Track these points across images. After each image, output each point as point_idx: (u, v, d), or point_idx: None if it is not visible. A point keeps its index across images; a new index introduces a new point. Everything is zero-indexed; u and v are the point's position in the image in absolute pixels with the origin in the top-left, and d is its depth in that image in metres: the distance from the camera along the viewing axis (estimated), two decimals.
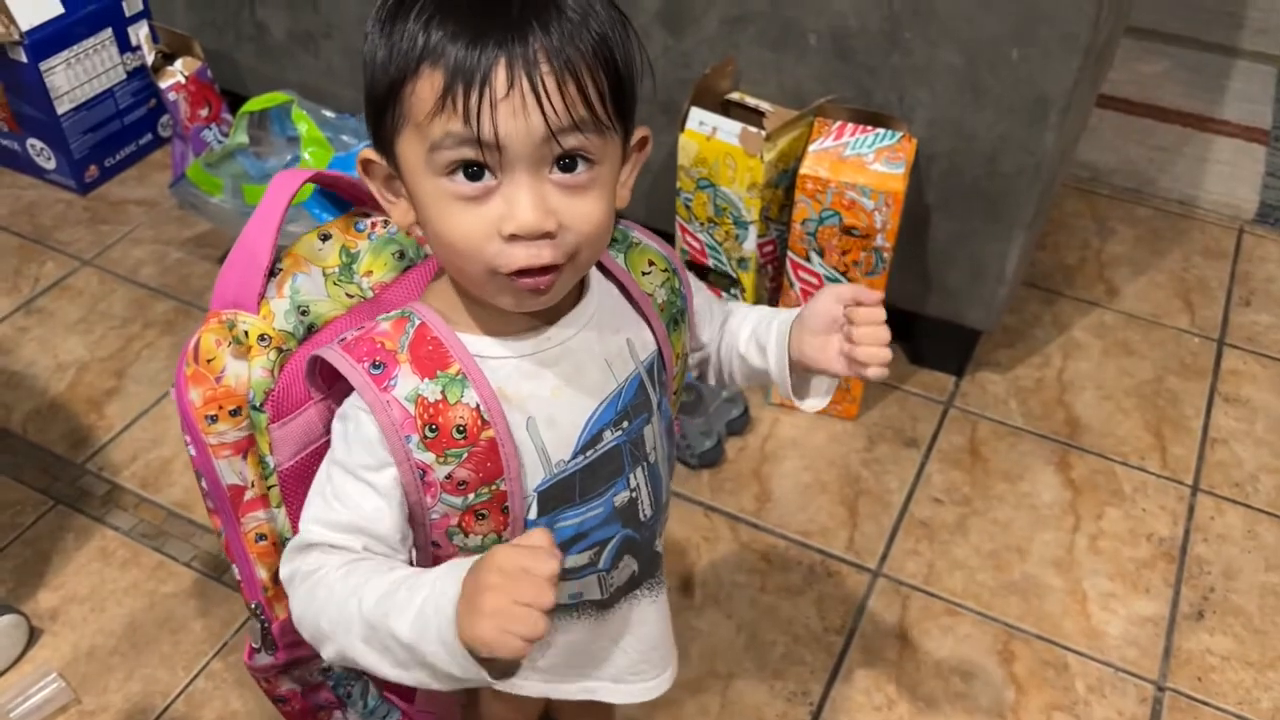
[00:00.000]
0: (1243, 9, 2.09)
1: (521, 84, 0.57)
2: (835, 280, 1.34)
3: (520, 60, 0.57)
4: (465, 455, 0.64)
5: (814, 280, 1.35)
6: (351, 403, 0.66)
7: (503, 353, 0.66)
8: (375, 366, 0.64)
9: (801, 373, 0.79)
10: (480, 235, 0.60)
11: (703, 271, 1.46)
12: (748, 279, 1.41)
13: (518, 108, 0.57)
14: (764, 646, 1.24)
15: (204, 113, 1.80)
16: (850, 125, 1.31)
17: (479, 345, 0.66)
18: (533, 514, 0.68)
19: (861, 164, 1.26)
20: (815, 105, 1.32)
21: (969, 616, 1.27)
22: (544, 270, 0.61)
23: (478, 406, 0.64)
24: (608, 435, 0.70)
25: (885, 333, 0.74)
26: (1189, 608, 1.28)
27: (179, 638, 1.24)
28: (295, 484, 0.71)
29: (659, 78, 1.44)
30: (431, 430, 0.64)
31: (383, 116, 0.61)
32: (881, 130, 1.29)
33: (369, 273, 0.74)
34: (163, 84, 1.76)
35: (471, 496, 0.66)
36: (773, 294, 1.46)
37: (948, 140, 1.31)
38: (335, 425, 0.67)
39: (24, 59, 1.73)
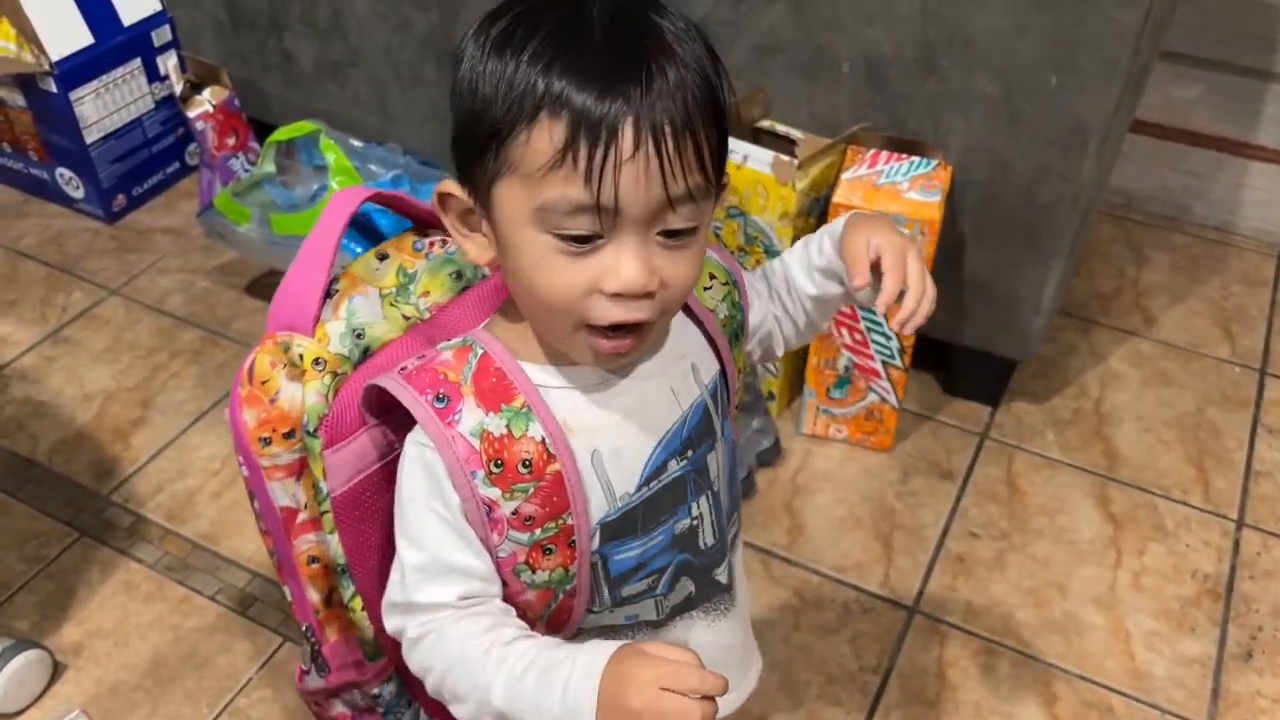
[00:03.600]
0: (1277, 33, 2.06)
1: (648, 146, 0.55)
2: (869, 311, 1.31)
3: (647, 120, 0.55)
4: (531, 490, 0.63)
5: (845, 310, 1.33)
6: (414, 438, 0.64)
7: (568, 383, 0.65)
8: (439, 400, 0.63)
9: None
10: (579, 291, 0.59)
11: None
12: None
13: (640, 172, 0.56)
14: (798, 686, 1.21)
15: (231, 142, 1.80)
16: (884, 153, 1.29)
17: (543, 376, 0.65)
18: (595, 544, 0.67)
19: (896, 192, 1.24)
20: (848, 133, 1.30)
21: (1009, 655, 1.24)
22: (632, 328, 0.60)
23: (543, 440, 0.63)
24: (672, 465, 0.69)
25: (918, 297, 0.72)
26: (1237, 648, 1.25)
27: (203, 673, 1.22)
28: (348, 510, 0.70)
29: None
30: (497, 465, 0.62)
31: (480, 156, 0.59)
32: (916, 158, 1.27)
33: (426, 293, 0.72)
34: (191, 113, 1.77)
35: (538, 532, 0.64)
36: None
37: (984, 168, 1.29)
38: (401, 464, 0.65)
39: (54, 89, 1.74)
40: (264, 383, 0.67)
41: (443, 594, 0.63)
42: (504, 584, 0.66)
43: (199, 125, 1.77)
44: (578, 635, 0.70)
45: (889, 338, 1.33)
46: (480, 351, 0.64)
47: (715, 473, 0.72)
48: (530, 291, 0.61)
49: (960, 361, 1.52)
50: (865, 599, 1.29)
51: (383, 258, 0.73)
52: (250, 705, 1.19)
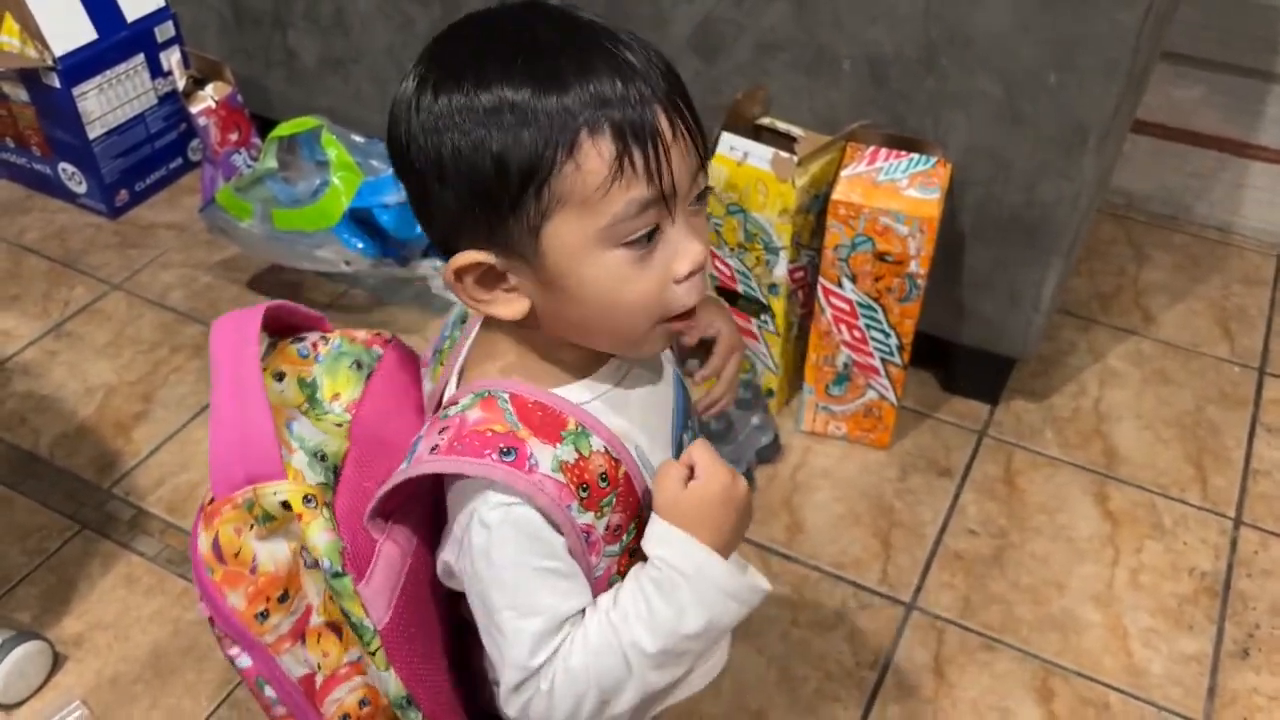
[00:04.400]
0: (1279, 34, 2.06)
1: (677, 123, 0.58)
2: (868, 307, 1.32)
3: (664, 99, 0.58)
4: (614, 500, 0.63)
5: (845, 306, 1.33)
6: (489, 506, 0.60)
7: (589, 396, 0.65)
8: (505, 453, 0.59)
9: None
10: (656, 289, 0.60)
11: (732, 297, 1.45)
12: (778, 305, 1.39)
13: (682, 149, 0.58)
14: (795, 682, 1.21)
15: (234, 137, 1.81)
16: (883, 150, 1.29)
17: (570, 395, 0.64)
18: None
19: (895, 189, 1.24)
20: (848, 130, 1.30)
21: (1006, 652, 1.24)
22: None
23: (606, 450, 0.63)
24: (686, 440, 0.71)
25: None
26: (1233, 645, 1.25)
27: (203, 666, 1.22)
28: (398, 635, 0.64)
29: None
30: (584, 490, 0.61)
31: (515, 209, 0.57)
32: (915, 155, 1.27)
33: (336, 395, 0.68)
34: (193, 109, 1.77)
35: (625, 538, 0.64)
36: (803, 320, 1.44)
37: (984, 167, 1.30)
38: (475, 541, 0.60)
39: (57, 84, 1.74)
40: (236, 554, 0.61)
41: (557, 641, 0.61)
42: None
43: (202, 121, 1.77)
44: None
45: (888, 335, 1.34)
46: (505, 395, 0.62)
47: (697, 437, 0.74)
48: (609, 310, 0.60)
49: (959, 359, 1.52)
50: (863, 595, 1.30)
51: (280, 377, 0.67)
52: (249, 698, 1.19)
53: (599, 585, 0.64)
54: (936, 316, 1.41)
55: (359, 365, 0.70)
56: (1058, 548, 1.35)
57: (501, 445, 0.60)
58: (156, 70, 1.87)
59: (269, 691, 0.65)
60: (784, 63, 1.34)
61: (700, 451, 0.64)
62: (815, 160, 1.28)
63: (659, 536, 0.62)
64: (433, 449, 0.61)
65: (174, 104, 1.90)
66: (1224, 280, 1.76)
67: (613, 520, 0.63)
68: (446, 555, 0.64)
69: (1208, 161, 1.89)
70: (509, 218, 0.58)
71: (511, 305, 0.61)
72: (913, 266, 1.26)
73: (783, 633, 1.26)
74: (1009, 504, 1.40)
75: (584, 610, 0.62)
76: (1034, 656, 1.23)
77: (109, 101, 1.81)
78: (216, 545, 0.60)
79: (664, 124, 0.57)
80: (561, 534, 0.61)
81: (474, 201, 0.58)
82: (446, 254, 0.62)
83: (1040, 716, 1.18)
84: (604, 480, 0.62)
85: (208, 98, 1.78)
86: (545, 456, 0.60)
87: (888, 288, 1.29)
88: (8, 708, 1.18)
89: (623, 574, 0.65)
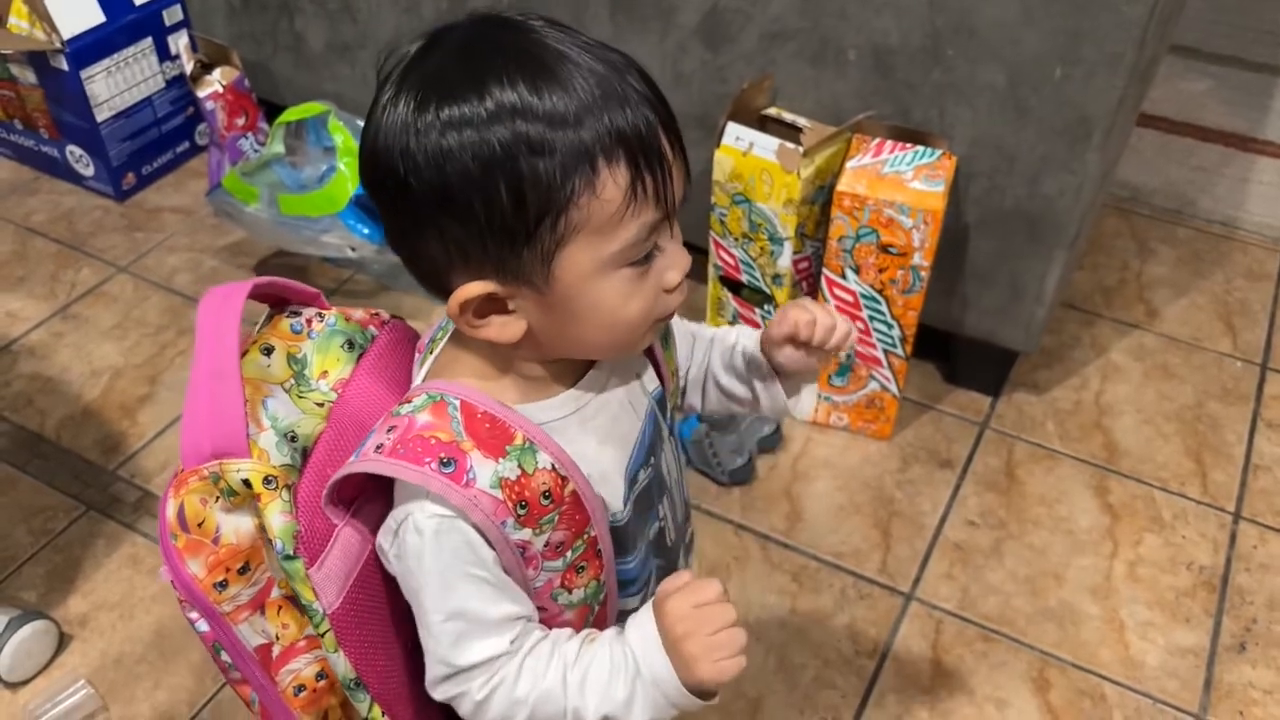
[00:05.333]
0: None
1: (675, 144, 0.59)
2: (872, 299, 1.32)
3: (662, 119, 0.58)
4: (556, 518, 0.63)
5: (849, 298, 1.34)
6: (425, 514, 0.60)
7: (545, 417, 0.65)
8: (444, 464, 0.59)
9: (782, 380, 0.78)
10: (652, 299, 0.61)
11: (736, 287, 1.45)
12: (782, 296, 1.40)
13: (678, 167, 0.59)
14: (794, 669, 1.22)
15: (241, 122, 1.81)
16: (889, 142, 1.29)
17: (525, 412, 0.64)
18: None
19: (900, 181, 1.25)
20: (853, 121, 1.30)
21: (1004, 643, 1.25)
22: None
23: (553, 467, 0.62)
24: (641, 476, 0.69)
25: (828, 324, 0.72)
26: (1230, 639, 1.25)
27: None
28: (349, 620, 0.64)
29: (696, 93, 1.43)
30: (522, 507, 0.61)
31: (529, 241, 0.57)
32: (921, 148, 1.28)
33: (324, 373, 0.68)
34: (201, 93, 1.78)
35: (570, 554, 0.64)
36: None
37: (988, 159, 1.30)
38: (409, 541, 0.61)
39: (65, 67, 1.75)
40: (200, 524, 0.61)
41: (495, 647, 0.62)
42: (542, 609, 0.66)
43: (209, 105, 1.78)
44: None
45: (891, 326, 1.34)
46: (456, 401, 0.62)
47: (668, 471, 0.74)
48: (610, 326, 0.61)
49: (962, 351, 1.52)
50: (862, 585, 1.30)
51: (268, 351, 0.67)
52: None
53: (539, 596, 0.65)
54: (939, 308, 1.41)
55: (351, 345, 0.69)
56: (1057, 540, 1.36)
57: (442, 455, 0.59)
58: (164, 54, 1.87)
59: (225, 656, 0.66)
60: (790, 52, 1.34)
61: (713, 588, 0.63)
62: (821, 151, 1.28)
63: (642, 632, 0.63)
64: (378, 447, 0.61)
65: (181, 88, 1.91)
66: (1227, 275, 1.76)
67: (554, 538, 0.63)
68: (381, 540, 0.64)
69: (1213, 156, 1.89)
70: (523, 249, 0.57)
71: (508, 329, 0.61)
72: (917, 259, 1.27)
73: (781, 621, 1.27)
74: (1009, 496, 1.41)
75: (516, 618, 0.63)
76: (1031, 648, 1.24)
77: (117, 85, 1.82)
78: (181, 513, 0.61)
79: (664, 143, 0.58)
80: (495, 550, 0.61)
81: (486, 233, 0.57)
82: (434, 282, 0.61)
83: (1036, 707, 1.19)
84: (546, 498, 0.61)
85: (215, 82, 1.78)
86: (485, 471, 0.60)
87: (891, 279, 1.30)
88: (13, 686, 1.19)
89: (568, 588, 0.66)
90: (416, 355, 0.70)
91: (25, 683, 1.20)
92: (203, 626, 0.64)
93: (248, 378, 0.64)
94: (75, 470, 1.44)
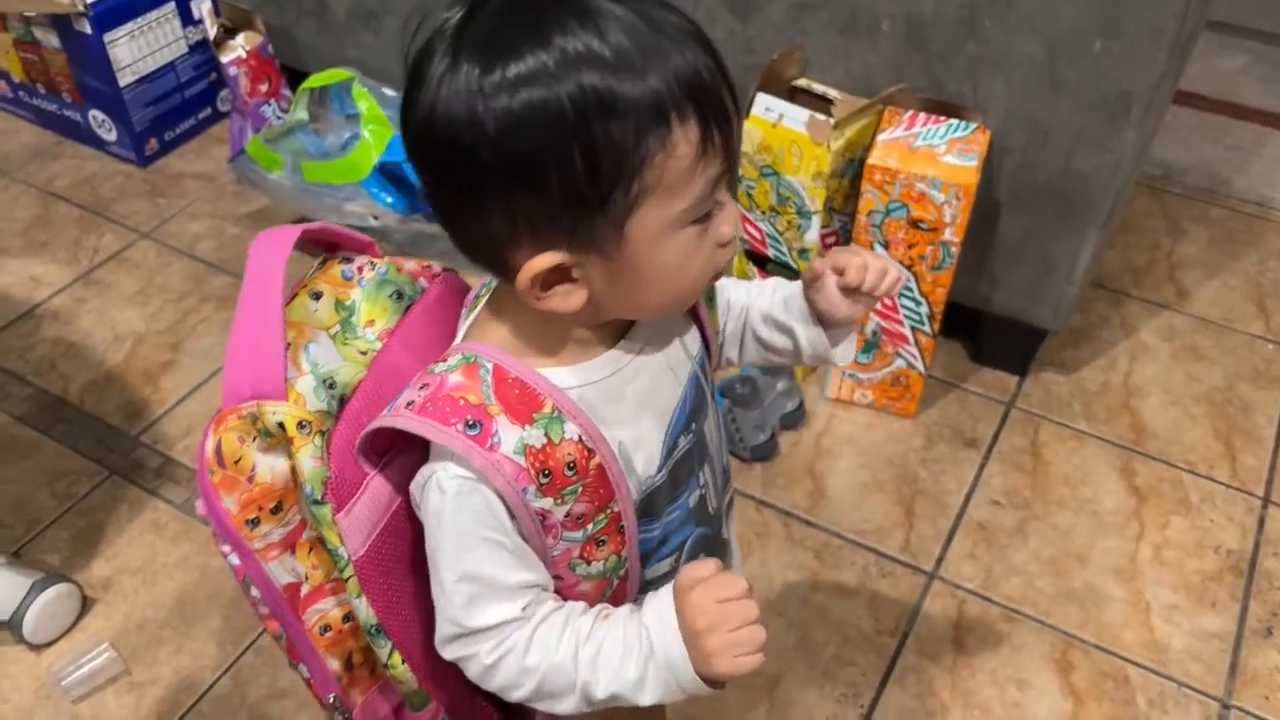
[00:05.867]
0: None
1: (730, 88, 0.57)
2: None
3: (722, 72, 0.57)
4: (579, 490, 0.62)
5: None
6: (449, 474, 0.60)
7: (580, 381, 0.64)
8: (470, 427, 0.59)
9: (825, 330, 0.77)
10: (710, 256, 0.60)
11: (761, 261, 1.44)
12: None
13: (736, 119, 0.58)
14: (814, 646, 1.21)
15: (264, 88, 1.80)
16: (921, 115, 1.27)
17: (558, 377, 0.63)
18: None
19: (932, 155, 1.23)
20: (886, 94, 1.28)
21: (1026, 623, 1.24)
22: None
23: (580, 438, 0.61)
24: (682, 442, 0.69)
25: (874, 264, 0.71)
26: (1257, 624, 1.24)
27: (228, 613, 1.24)
28: (374, 568, 0.65)
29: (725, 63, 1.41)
30: (545, 476, 0.60)
31: (603, 205, 0.55)
32: (954, 121, 1.26)
33: (371, 322, 0.68)
34: (224, 58, 1.76)
35: (590, 527, 0.64)
36: None
37: (1022, 134, 1.28)
38: (431, 500, 0.62)
39: (88, 30, 1.74)
40: (237, 462, 0.61)
41: (507, 612, 0.62)
42: (559, 578, 0.66)
43: (232, 71, 1.76)
44: None
45: (919, 303, 1.32)
46: (489, 364, 0.61)
47: (710, 438, 0.73)
48: (671, 286, 0.60)
49: (989, 330, 1.50)
50: (885, 563, 1.30)
51: (317, 296, 0.67)
52: (273, 646, 1.20)
53: (556, 565, 0.65)
54: (968, 286, 1.40)
55: (400, 296, 0.69)
56: (1082, 521, 1.34)
57: (469, 417, 0.59)
58: (187, 18, 1.86)
59: (254, 591, 0.67)
60: (821, 22, 1.32)
61: (739, 584, 0.62)
62: (852, 123, 1.26)
63: (660, 616, 0.62)
64: (408, 404, 0.61)
65: (204, 53, 1.90)
66: (1261, 256, 1.74)
67: (576, 509, 0.62)
68: (412, 490, 0.65)
69: (1249, 135, 1.86)
70: (595, 216, 0.56)
71: (571, 299, 0.60)
72: (947, 234, 1.25)
73: (803, 598, 1.26)
74: (1034, 476, 1.40)
75: (530, 585, 0.63)
76: (1054, 629, 1.23)
77: (140, 49, 1.81)
78: (219, 450, 0.61)
79: (727, 97, 0.57)
80: (515, 516, 0.61)
81: (559, 203, 0.55)
82: (491, 257, 0.60)
83: (1059, 688, 1.18)
84: (570, 469, 0.61)
85: (238, 47, 1.77)
86: (510, 436, 0.60)
87: (921, 255, 1.28)
88: (38, 648, 1.20)
89: (587, 560, 0.65)
90: (463, 310, 0.70)
91: (49, 645, 1.21)
92: (234, 560, 0.65)
93: (294, 321, 0.64)
94: (98, 435, 1.44)
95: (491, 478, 0.59)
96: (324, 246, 0.70)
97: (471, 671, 0.64)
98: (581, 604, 0.65)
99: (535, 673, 0.62)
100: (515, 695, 0.64)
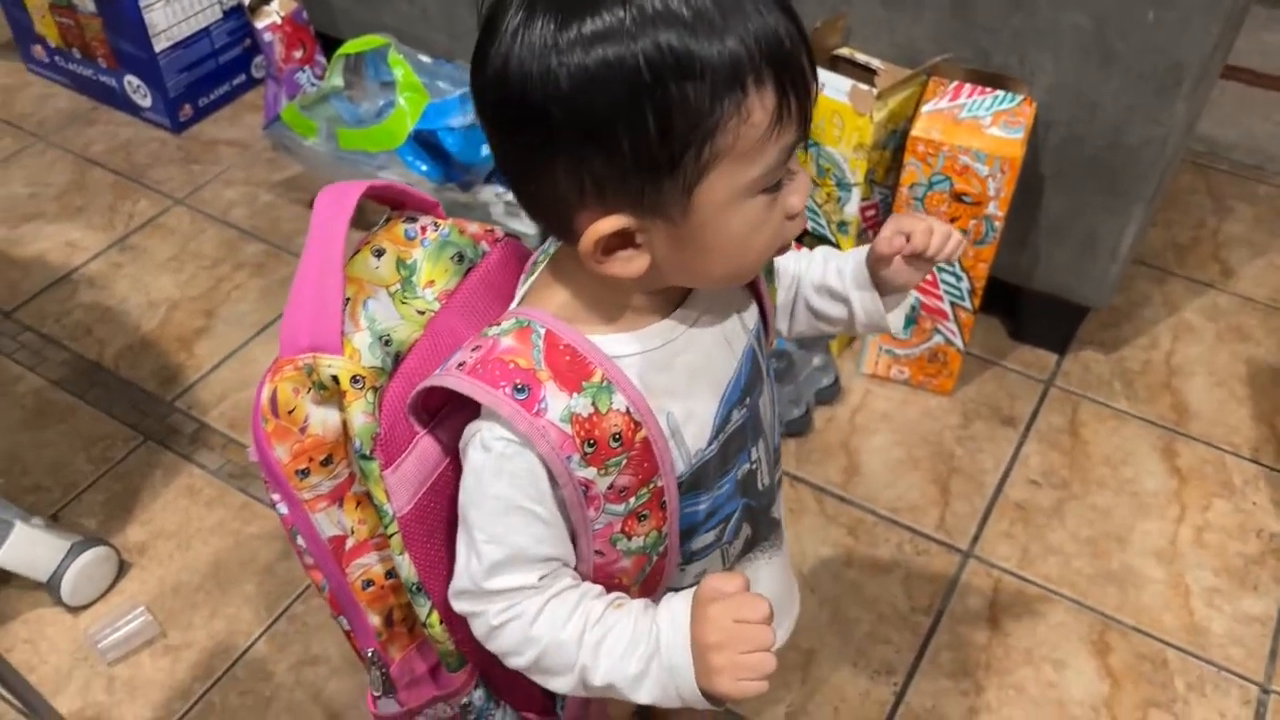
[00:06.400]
0: None
1: (809, 53, 0.56)
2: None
3: (802, 38, 0.55)
4: (624, 462, 0.61)
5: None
6: (494, 434, 0.60)
7: (634, 349, 0.63)
8: (519, 390, 0.59)
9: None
10: (778, 227, 0.59)
11: (799, 234, 1.42)
12: (847, 244, 1.36)
13: (814, 86, 0.57)
14: (848, 623, 1.21)
15: (298, 55, 1.79)
16: (966, 86, 1.25)
17: (610, 345, 0.62)
18: None
19: (978, 127, 1.20)
20: (930, 64, 1.26)
21: (1063, 604, 1.22)
22: None
23: (628, 410, 0.60)
24: (735, 416, 0.68)
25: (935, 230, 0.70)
26: None
27: (262, 579, 1.25)
28: (418, 526, 0.66)
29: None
30: (590, 445, 0.60)
31: (673, 169, 0.54)
32: (1000, 93, 1.23)
33: (431, 283, 0.67)
34: (258, 24, 1.76)
35: (633, 500, 0.63)
36: None
37: (1069, 107, 1.25)
38: (474, 458, 0.62)
39: None
40: (290, 412, 0.62)
41: (523, 579, 0.62)
42: (600, 553, 0.65)
43: (266, 37, 1.76)
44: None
45: (960, 278, 1.30)
46: (542, 330, 0.61)
47: (764, 414, 0.72)
48: (736, 257, 0.59)
49: (1029, 306, 1.48)
50: (919, 541, 1.28)
51: (379, 253, 0.67)
52: (307, 613, 1.21)
53: (598, 538, 0.64)
54: (1009, 261, 1.37)
55: (461, 258, 0.69)
56: (1121, 502, 1.33)
57: (518, 381, 0.59)
58: None
59: (300, 541, 0.67)
60: None
61: (760, 608, 0.60)
62: (895, 94, 1.24)
63: (674, 619, 0.61)
64: (460, 364, 0.61)
65: (239, 19, 1.89)
66: None
67: (619, 481, 0.62)
68: (461, 443, 0.65)
69: None
70: (664, 180, 0.54)
71: (632, 264, 0.59)
72: (991, 208, 1.23)
73: (836, 574, 1.25)
74: (1072, 455, 1.38)
75: (552, 558, 0.63)
76: (1091, 610, 1.22)
77: (175, 14, 1.80)
78: (274, 399, 0.61)
79: (805, 64, 0.55)
80: (557, 483, 0.60)
81: (629, 164, 0.54)
82: (554, 217, 0.59)
83: (1095, 670, 1.17)
84: (616, 440, 0.60)
85: (273, 13, 1.76)
86: (558, 403, 0.59)
87: (963, 229, 1.26)
88: (75, 610, 1.21)
89: (628, 535, 0.65)
90: (522, 275, 0.69)
91: (86, 607, 1.22)
92: (282, 509, 0.65)
93: (355, 277, 0.64)
94: (133, 400, 1.45)
95: (536, 443, 0.59)
96: (390, 203, 0.70)
97: (477, 629, 0.65)
98: (598, 588, 0.65)
99: (538, 644, 0.62)
100: (514, 662, 0.64)
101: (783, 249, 0.62)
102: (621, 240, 0.58)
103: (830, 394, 1.43)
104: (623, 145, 0.53)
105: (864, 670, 1.16)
